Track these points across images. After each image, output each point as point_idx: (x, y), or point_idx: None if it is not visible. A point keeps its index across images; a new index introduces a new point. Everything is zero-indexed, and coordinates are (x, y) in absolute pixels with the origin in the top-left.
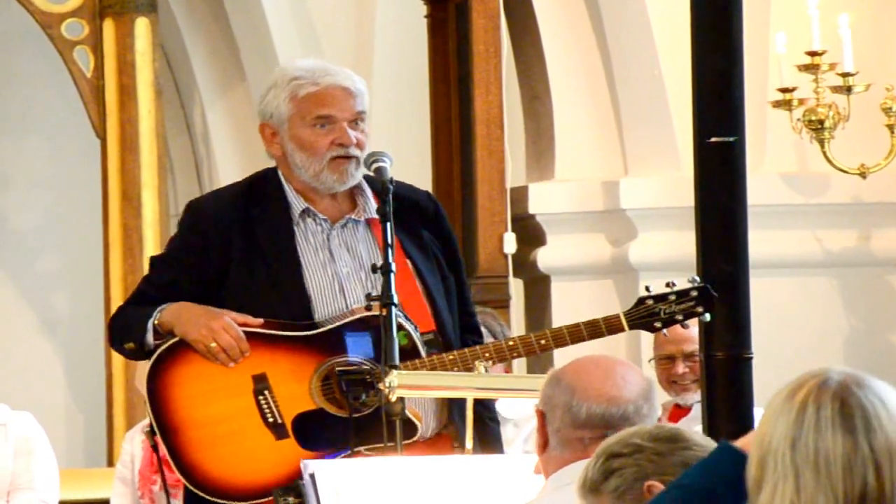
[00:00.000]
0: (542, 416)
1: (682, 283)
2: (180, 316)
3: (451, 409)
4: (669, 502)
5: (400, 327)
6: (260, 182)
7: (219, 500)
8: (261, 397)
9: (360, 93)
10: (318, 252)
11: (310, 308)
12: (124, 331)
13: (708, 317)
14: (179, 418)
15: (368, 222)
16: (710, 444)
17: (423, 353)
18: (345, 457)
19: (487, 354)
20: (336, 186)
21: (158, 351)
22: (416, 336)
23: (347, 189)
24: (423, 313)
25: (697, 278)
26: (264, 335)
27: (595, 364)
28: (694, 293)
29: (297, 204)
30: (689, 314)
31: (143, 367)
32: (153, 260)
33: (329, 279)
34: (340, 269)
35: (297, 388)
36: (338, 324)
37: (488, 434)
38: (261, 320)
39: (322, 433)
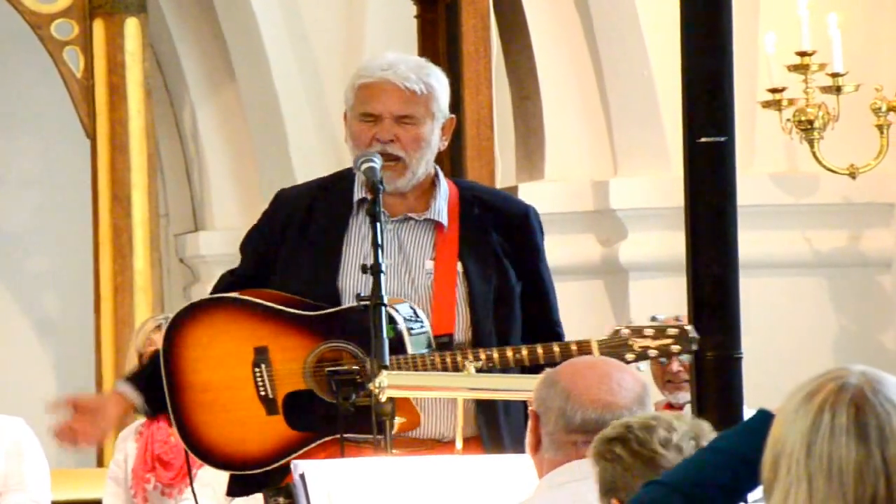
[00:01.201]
0: (535, 418)
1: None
2: None
3: (479, 414)
4: (703, 464)
5: (390, 320)
6: (342, 174)
7: (209, 465)
8: (257, 370)
9: (411, 93)
10: (364, 242)
11: (337, 293)
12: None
13: (686, 359)
14: (186, 380)
15: (435, 224)
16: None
17: (408, 346)
18: (329, 444)
19: (466, 363)
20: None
21: (175, 314)
22: (403, 328)
23: (422, 188)
24: (448, 316)
25: (683, 317)
26: (275, 310)
27: (591, 367)
28: (672, 331)
29: (359, 192)
30: (663, 352)
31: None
32: (241, 244)
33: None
34: (381, 261)
35: (292, 366)
36: (340, 308)
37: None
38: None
39: (309, 414)
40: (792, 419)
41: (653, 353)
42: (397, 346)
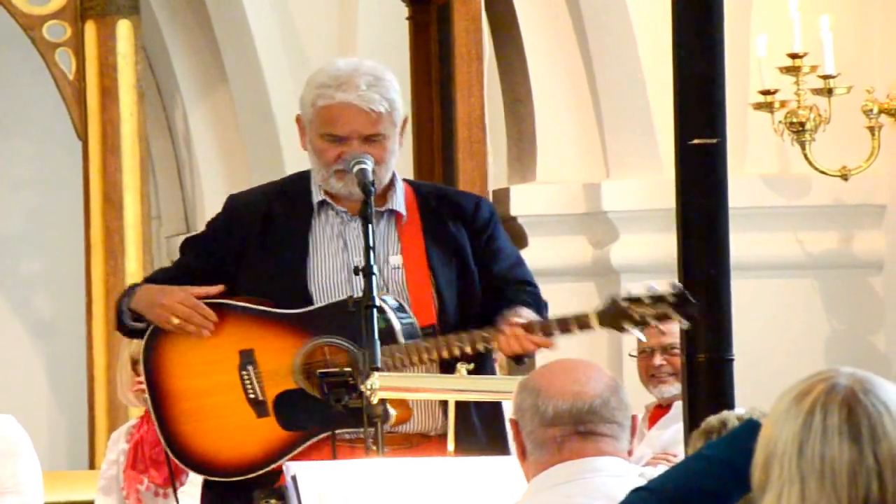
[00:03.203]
0: (515, 425)
1: (665, 287)
2: (141, 300)
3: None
4: (690, 470)
5: (381, 311)
6: (294, 178)
7: (199, 474)
8: (244, 373)
9: (377, 114)
10: (331, 241)
11: (308, 293)
12: (116, 311)
13: (685, 323)
14: (170, 389)
15: (394, 215)
16: None
17: (400, 337)
18: (322, 443)
19: (459, 343)
20: (342, 191)
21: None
22: (393, 318)
23: (382, 187)
24: (427, 306)
25: (678, 283)
26: (256, 311)
27: (557, 365)
28: (671, 298)
29: (317, 195)
30: (662, 318)
31: (124, 376)
32: (183, 243)
33: (338, 268)
34: (352, 258)
35: (281, 366)
36: (324, 304)
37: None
38: (219, 287)
39: (301, 414)
40: (783, 420)
41: (652, 320)
42: (388, 336)
